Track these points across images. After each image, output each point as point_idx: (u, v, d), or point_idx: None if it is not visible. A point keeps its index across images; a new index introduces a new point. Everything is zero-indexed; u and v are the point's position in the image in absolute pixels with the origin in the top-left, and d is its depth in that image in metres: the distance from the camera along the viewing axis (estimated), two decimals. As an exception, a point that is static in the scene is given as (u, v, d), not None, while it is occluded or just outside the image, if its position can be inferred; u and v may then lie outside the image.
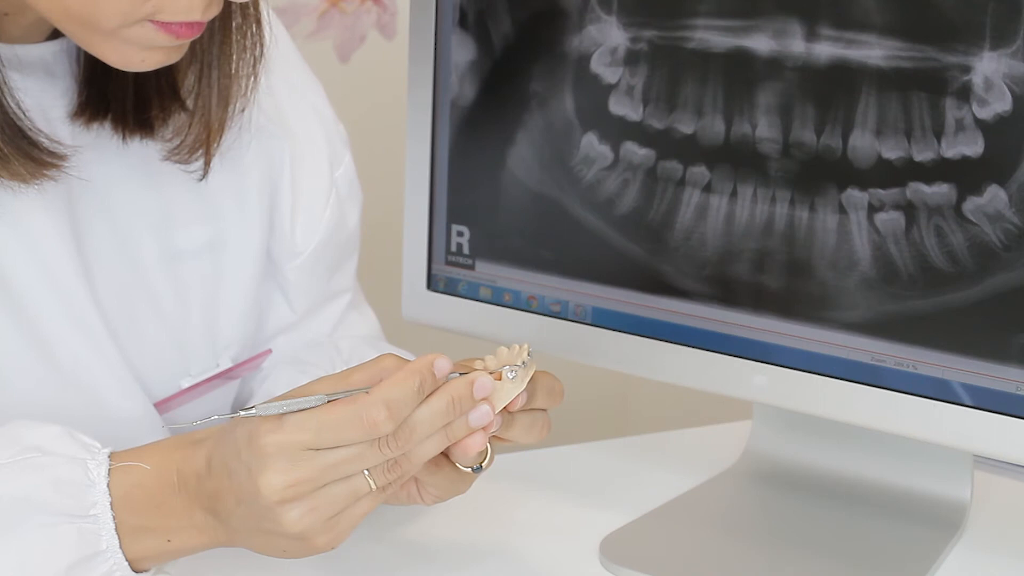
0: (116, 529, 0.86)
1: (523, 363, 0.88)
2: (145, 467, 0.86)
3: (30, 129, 0.91)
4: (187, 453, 0.86)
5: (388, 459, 0.83)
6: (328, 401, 0.83)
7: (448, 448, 0.87)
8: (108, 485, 0.86)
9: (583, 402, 1.98)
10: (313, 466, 0.82)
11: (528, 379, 0.88)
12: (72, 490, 0.85)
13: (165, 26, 0.86)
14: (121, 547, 0.86)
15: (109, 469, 0.86)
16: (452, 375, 0.86)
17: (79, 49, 0.96)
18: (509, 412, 0.88)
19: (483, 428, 0.86)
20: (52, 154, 0.92)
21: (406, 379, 0.83)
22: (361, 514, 0.85)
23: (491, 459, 0.91)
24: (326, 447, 0.82)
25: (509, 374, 0.87)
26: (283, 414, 0.82)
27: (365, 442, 0.82)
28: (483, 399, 0.86)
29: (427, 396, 0.84)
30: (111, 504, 0.86)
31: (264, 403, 0.82)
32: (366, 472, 0.83)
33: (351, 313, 1.15)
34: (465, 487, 0.92)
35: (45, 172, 0.91)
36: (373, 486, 0.84)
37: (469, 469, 0.90)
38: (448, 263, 1.11)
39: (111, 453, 0.87)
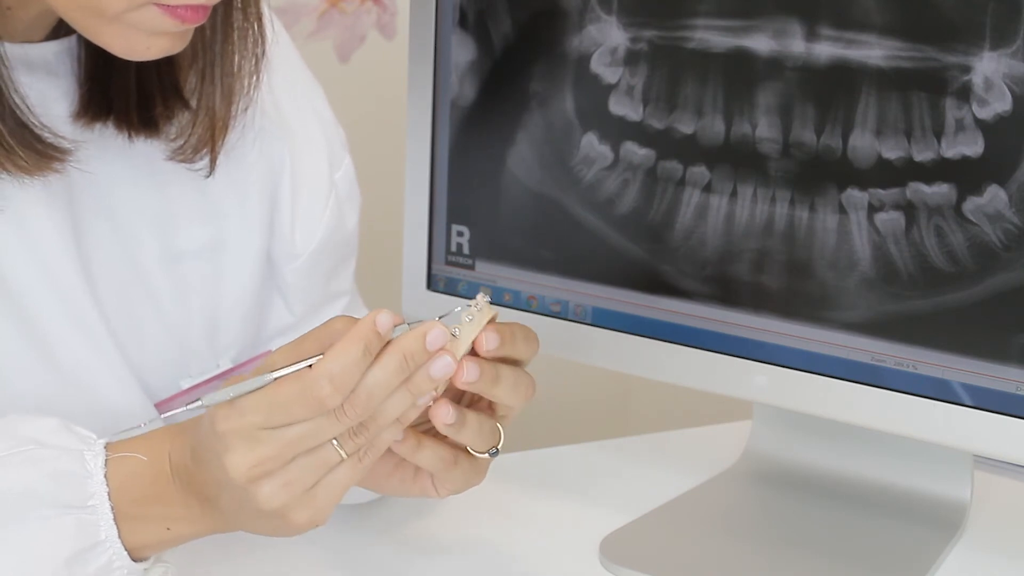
0: (114, 519, 0.86)
1: (479, 307, 0.85)
2: (141, 458, 0.86)
3: (35, 124, 0.91)
4: (177, 443, 0.87)
5: (350, 426, 0.82)
6: (275, 379, 0.82)
7: (429, 416, 0.85)
8: (105, 475, 0.86)
9: (583, 402, 1.99)
10: (274, 443, 0.81)
11: (486, 321, 0.85)
12: (70, 481, 0.86)
13: (171, 10, 0.86)
14: (120, 536, 0.86)
15: (106, 460, 0.86)
16: (401, 327, 0.83)
17: (81, 49, 0.96)
18: (484, 358, 0.85)
19: (451, 379, 0.84)
20: (56, 148, 0.92)
21: (348, 347, 0.81)
22: (340, 484, 0.83)
23: (502, 439, 0.90)
24: (278, 425, 0.81)
25: (466, 317, 0.85)
26: (234, 400, 0.82)
27: (324, 415, 0.81)
28: (440, 350, 0.83)
29: (378, 356, 0.82)
30: (108, 494, 0.86)
31: (211, 393, 0.82)
32: (335, 442, 0.82)
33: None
34: (480, 477, 0.91)
35: (50, 165, 0.91)
36: (343, 454, 0.83)
37: (486, 454, 0.89)
38: (448, 263, 1.11)
39: (107, 444, 0.88)
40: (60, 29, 0.96)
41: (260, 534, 0.86)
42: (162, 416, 0.86)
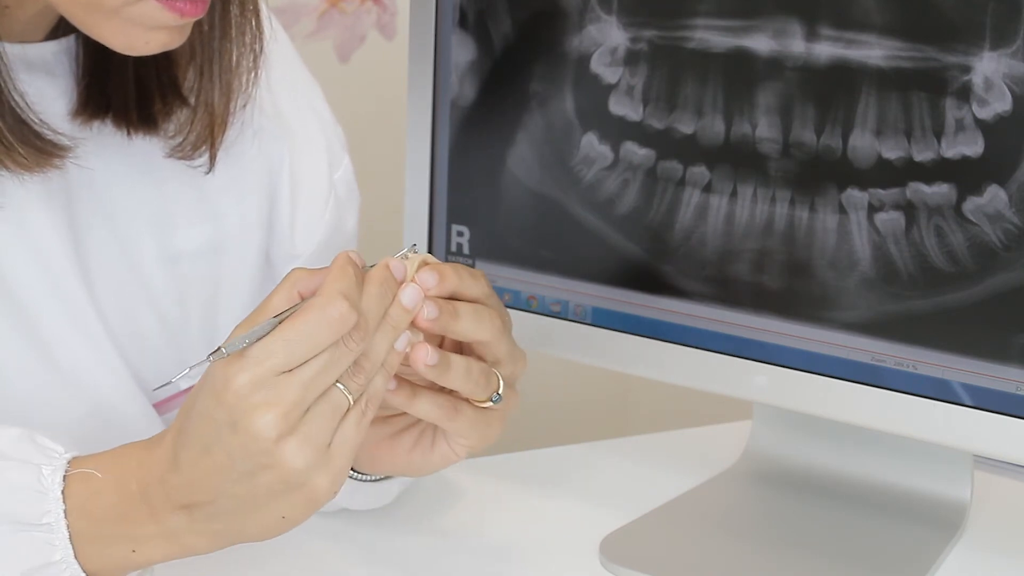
0: (71, 539, 0.82)
1: (406, 257, 0.86)
2: (96, 474, 0.83)
3: (34, 121, 0.91)
4: (143, 458, 0.83)
5: (354, 359, 0.81)
6: (280, 321, 0.80)
7: (412, 364, 0.85)
8: (63, 492, 0.82)
9: (583, 402, 1.98)
10: (293, 387, 0.79)
11: (415, 266, 0.86)
12: (24, 496, 0.82)
13: (169, 3, 0.86)
14: (77, 558, 0.83)
15: (65, 476, 0.83)
16: (365, 269, 0.84)
17: (79, 49, 0.96)
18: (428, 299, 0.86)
19: (424, 319, 0.84)
20: (56, 145, 0.92)
21: (344, 269, 0.81)
22: (350, 439, 0.81)
23: (501, 385, 0.89)
24: (299, 363, 0.79)
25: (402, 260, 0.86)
26: (243, 351, 0.79)
27: (332, 346, 0.80)
28: (403, 281, 0.84)
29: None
30: (65, 512, 0.82)
31: (229, 341, 0.79)
32: (341, 386, 0.81)
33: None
34: (492, 430, 0.90)
35: (50, 162, 0.91)
36: (350, 397, 0.81)
37: (489, 403, 0.89)
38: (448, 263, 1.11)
39: (72, 459, 0.84)
40: (58, 29, 0.96)
41: (260, 536, 0.83)
42: (188, 370, 0.82)
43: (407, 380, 0.88)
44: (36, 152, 0.90)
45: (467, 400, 0.89)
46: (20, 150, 0.89)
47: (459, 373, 0.87)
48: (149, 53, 0.89)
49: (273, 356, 0.79)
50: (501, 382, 0.89)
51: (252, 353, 0.79)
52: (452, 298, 0.87)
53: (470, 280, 0.88)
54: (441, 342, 0.89)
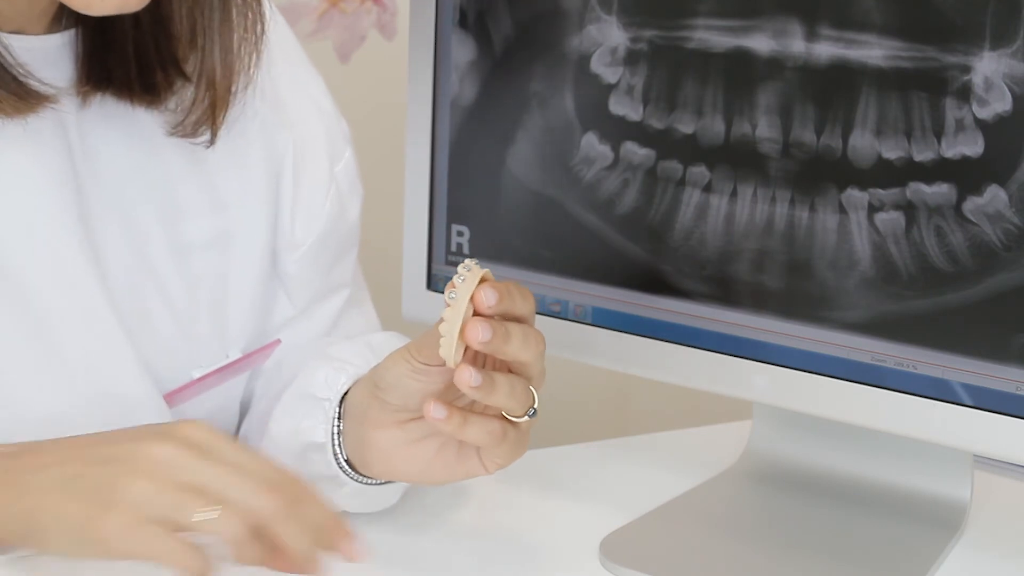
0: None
1: (468, 268, 0.87)
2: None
3: (12, 65, 0.90)
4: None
5: None
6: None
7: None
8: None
9: (583, 402, 1.98)
10: None
11: (477, 279, 0.87)
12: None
13: None
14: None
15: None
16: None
17: (79, 43, 0.96)
18: (488, 316, 0.87)
19: (478, 340, 0.86)
20: (39, 94, 0.91)
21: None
22: None
23: (536, 400, 0.91)
24: None
25: (459, 279, 0.87)
26: None
27: None
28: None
29: None
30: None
31: None
32: None
33: (351, 309, 1.15)
34: (524, 447, 0.92)
35: (33, 108, 0.91)
36: None
37: (524, 417, 0.90)
38: (448, 263, 1.11)
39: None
40: (60, 23, 0.96)
41: None
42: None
43: (456, 407, 0.89)
44: (16, 98, 0.90)
45: (509, 421, 0.90)
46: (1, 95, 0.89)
47: (503, 392, 0.88)
48: (105, 13, 0.88)
49: None
50: (536, 397, 0.90)
51: None
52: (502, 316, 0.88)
53: (520, 300, 0.89)
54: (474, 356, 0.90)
